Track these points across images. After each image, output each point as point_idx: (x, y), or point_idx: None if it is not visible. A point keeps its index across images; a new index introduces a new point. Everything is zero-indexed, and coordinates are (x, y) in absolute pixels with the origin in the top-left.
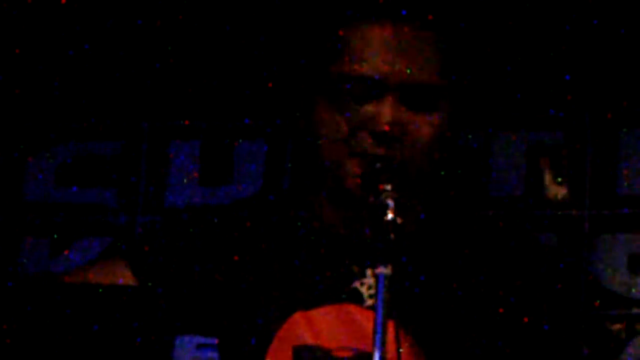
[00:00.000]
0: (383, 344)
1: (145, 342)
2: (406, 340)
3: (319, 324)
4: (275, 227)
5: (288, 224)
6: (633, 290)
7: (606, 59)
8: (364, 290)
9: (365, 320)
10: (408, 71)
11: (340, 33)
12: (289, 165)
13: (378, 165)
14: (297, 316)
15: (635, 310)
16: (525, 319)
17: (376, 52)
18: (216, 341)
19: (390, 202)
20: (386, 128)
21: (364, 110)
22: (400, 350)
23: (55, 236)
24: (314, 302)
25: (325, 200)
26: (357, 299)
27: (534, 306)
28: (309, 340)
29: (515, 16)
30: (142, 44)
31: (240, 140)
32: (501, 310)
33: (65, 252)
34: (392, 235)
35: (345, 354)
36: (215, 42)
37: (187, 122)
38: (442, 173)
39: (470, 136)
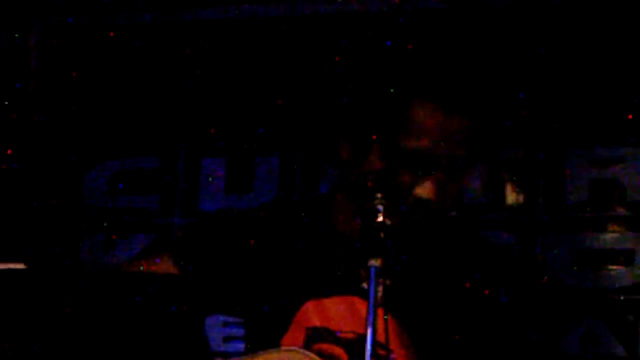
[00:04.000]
0: (374, 324)
1: (182, 322)
2: (395, 324)
3: (328, 311)
4: (293, 229)
5: (304, 227)
6: (580, 281)
7: (555, 95)
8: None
9: (366, 310)
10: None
11: (407, 111)
12: (298, 174)
13: (371, 176)
14: (310, 304)
15: (579, 297)
16: (485, 300)
17: (432, 131)
18: (242, 320)
19: (380, 208)
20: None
21: (405, 178)
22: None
23: (108, 235)
24: (325, 293)
25: (341, 211)
26: (361, 293)
27: (489, 287)
28: (319, 323)
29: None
30: (184, 83)
31: (258, 158)
32: (466, 293)
33: (116, 248)
34: (381, 234)
35: (348, 336)
36: (242, 85)
37: (215, 143)
38: None
39: None
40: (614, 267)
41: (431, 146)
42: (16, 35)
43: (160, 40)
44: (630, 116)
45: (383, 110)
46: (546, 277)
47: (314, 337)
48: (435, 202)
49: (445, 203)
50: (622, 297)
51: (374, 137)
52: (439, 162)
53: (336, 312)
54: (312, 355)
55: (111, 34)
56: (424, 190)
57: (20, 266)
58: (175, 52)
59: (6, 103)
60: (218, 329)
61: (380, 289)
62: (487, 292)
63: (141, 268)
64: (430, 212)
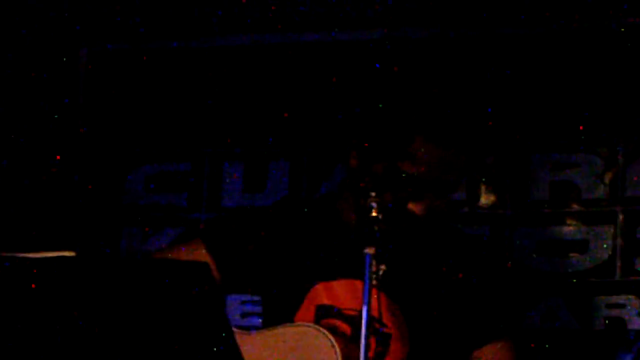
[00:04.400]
0: (369, 302)
1: (205, 301)
2: (388, 302)
3: (335, 292)
4: (305, 222)
5: (314, 220)
6: (540, 264)
7: (520, 110)
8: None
9: (374, 294)
10: (448, 176)
11: (412, 140)
12: (305, 178)
13: (369, 186)
14: (320, 285)
15: (540, 279)
16: (460, 280)
17: (430, 162)
18: (258, 299)
19: (375, 205)
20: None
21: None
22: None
23: (144, 228)
24: (332, 276)
25: (346, 207)
26: (362, 276)
27: (464, 271)
28: (327, 302)
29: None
30: (208, 100)
31: (271, 163)
32: (445, 275)
33: (151, 239)
34: (375, 227)
35: (351, 313)
36: (257, 101)
37: (234, 150)
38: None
39: None
40: (570, 254)
41: (426, 172)
42: (66, 59)
43: (187, 63)
44: (581, 127)
45: (388, 138)
46: (511, 263)
47: (323, 313)
48: (424, 217)
49: (432, 216)
50: (576, 280)
51: (379, 157)
52: (431, 185)
53: (341, 292)
54: (322, 329)
55: (144, 57)
56: (416, 207)
57: (71, 254)
58: (200, 73)
59: (56, 117)
60: (236, 307)
61: (375, 272)
62: (460, 275)
63: (175, 255)
64: (419, 222)
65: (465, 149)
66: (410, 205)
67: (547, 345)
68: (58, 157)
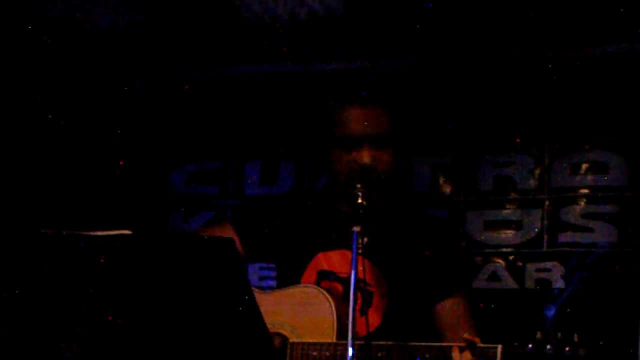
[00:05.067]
0: (356, 268)
1: (232, 268)
2: (371, 267)
3: (331, 259)
4: (308, 207)
5: (315, 206)
6: (486, 238)
7: (472, 123)
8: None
9: (359, 260)
10: (376, 130)
11: (339, 112)
12: (307, 175)
13: (354, 174)
14: (320, 255)
15: (486, 250)
16: (425, 249)
17: (358, 121)
18: (273, 266)
19: (360, 193)
20: (368, 162)
21: (354, 153)
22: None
23: (185, 212)
24: (330, 247)
25: (336, 194)
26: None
27: (428, 243)
28: (326, 267)
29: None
30: (234, 115)
31: (282, 163)
32: (414, 246)
33: (190, 221)
34: (360, 211)
35: (344, 276)
36: (272, 117)
37: (254, 153)
38: (391, 178)
39: (404, 161)
40: (508, 231)
41: (358, 129)
42: (125, 84)
43: (219, 87)
44: (517, 135)
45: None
46: (463, 237)
47: (322, 276)
48: (372, 166)
49: (382, 169)
50: (513, 250)
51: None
52: (370, 139)
53: (336, 260)
54: (321, 289)
55: (186, 82)
56: (362, 157)
57: (127, 232)
58: (228, 95)
59: (119, 130)
60: (255, 272)
61: (361, 245)
62: (426, 246)
63: (208, 233)
64: (378, 179)
65: (384, 107)
66: (357, 158)
67: (491, 303)
68: (121, 162)
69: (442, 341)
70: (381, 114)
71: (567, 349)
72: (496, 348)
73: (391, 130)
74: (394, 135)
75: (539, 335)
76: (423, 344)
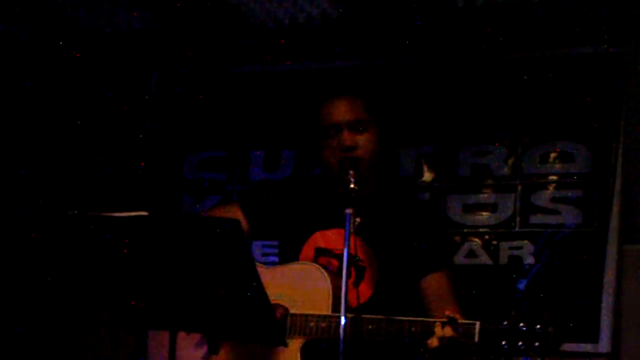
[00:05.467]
0: (349, 246)
1: (238, 245)
2: (363, 245)
3: (328, 237)
4: (306, 192)
5: (313, 190)
6: (464, 220)
7: (453, 118)
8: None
9: (352, 238)
10: (353, 116)
11: (323, 106)
12: (305, 163)
13: (346, 161)
14: (318, 233)
15: (465, 230)
16: (410, 229)
17: (337, 111)
18: (275, 243)
19: (352, 178)
20: (349, 143)
21: (337, 138)
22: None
23: (196, 195)
24: (326, 227)
25: (330, 180)
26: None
27: (413, 222)
28: (322, 245)
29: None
30: (243, 109)
31: (283, 152)
32: (401, 225)
33: (200, 203)
34: (352, 195)
35: (338, 252)
36: (275, 112)
37: (258, 143)
38: (379, 165)
39: (392, 150)
40: (485, 213)
41: (340, 115)
42: (142, 80)
43: (227, 84)
44: (493, 128)
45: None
46: (444, 219)
47: (319, 253)
48: (356, 147)
49: (364, 149)
50: (488, 230)
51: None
52: (350, 124)
53: (332, 238)
54: (318, 265)
55: (198, 79)
56: (344, 140)
57: (144, 213)
58: (236, 91)
59: (138, 122)
60: (259, 249)
61: (353, 225)
62: (411, 225)
63: (217, 214)
64: (363, 160)
65: (359, 96)
66: (342, 141)
67: (469, 278)
68: (140, 149)
69: (427, 316)
70: (357, 101)
71: (537, 326)
72: (475, 325)
73: (367, 115)
74: (371, 120)
75: (513, 313)
76: (409, 318)
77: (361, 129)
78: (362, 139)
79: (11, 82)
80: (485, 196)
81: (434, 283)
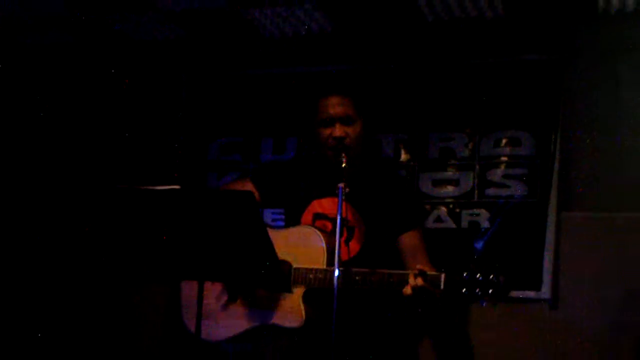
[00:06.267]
0: (340, 212)
1: (251, 212)
2: (352, 210)
3: (324, 205)
4: (306, 169)
5: (312, 168)
6: (433, 192)
7: (424, 108)
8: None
9: (343, 205)
10: (343, 112)
11: (319, 103)
12: (306, 147)
13: (339, 146)
14: (315, 202)
15: (433, 200)
16: (390, 197)
17: (330, 107)
18: (281, 210)
19: (344, 158)
20: (339, 134)
21: (330, 129)
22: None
23: (218, 173)
24: (322, 195)
25: (325, 160)
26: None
27: (392, 192)
28: (319, 210)
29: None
30: (256, 103)
31: (288, 138)
32: (382, 195)
33: (222, 179)
34: (345, 171)
35: (332, 216)
36: (283, 105)
37: (267, 131)
38: (364, 149)
39: (375, 137)
40: (449, 187)
41: (333, 111)
42: (173, 80)
43: (246, 83)
44: (457, 119)
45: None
46: (417, 192)
47: (317, 217)
48: (346, 136)
49: (352, 137)
50: (452, 200)
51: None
52: (341, 118)
53: (327, 205)
54: (315, 228)
55: (221, 79)
56: (335, 132)
57: (177, 187)
58: (250, 89)
59: (171, 117)
60: (269, 215)
61: (344, 194)
62: (390, 194)
63: (234, 187)
64: (351, 145)
65: (348, 95)
66: (333, 132)
67: (437, 239)
68: (173, 136)
69: (404, 269)
70: (345, 100)
71: (491, 277)
72: (441, 276)
73: (355, 111)
74: (358, 115)
75: (472, 266)
76: (389, 271)
77: (350, 122)
78: (350, 130)
79: (82, 80)
80: (450, 173)
81: (409, 240)
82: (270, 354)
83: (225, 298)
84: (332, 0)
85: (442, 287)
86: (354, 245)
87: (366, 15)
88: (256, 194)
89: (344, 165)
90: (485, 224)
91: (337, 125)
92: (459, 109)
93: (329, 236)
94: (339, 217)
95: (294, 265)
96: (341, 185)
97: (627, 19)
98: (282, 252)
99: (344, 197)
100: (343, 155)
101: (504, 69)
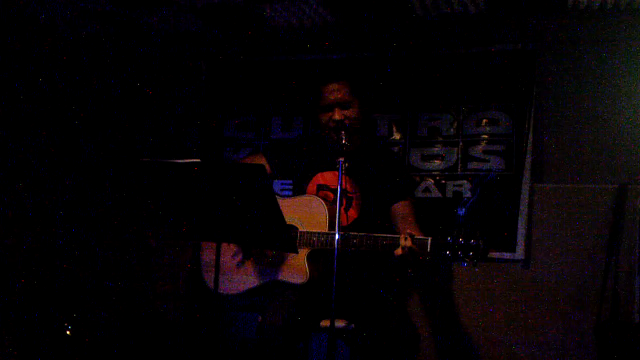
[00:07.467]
0: (340, 183)
1: (263, 183)
2: (351, 182)
3: (326, 177)
4: (311, 145)
5: (316, 144)
6: (422, 166)
7: (413, 91)
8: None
9: (343, 177)
10: (340, 97)
11: (322, 88)
12: (310, 125)
13: (339, 126)
14: (319, 174)
15: (422, 173)
16: (384, 170)
17: (329, 93)
18: (290, 182)
19: (343, 137)
20: (338, 118)
21: (330, 113)
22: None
23: (233, 148)
24: (325, 169)
25: (325, 139)
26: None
27: (385, 166)
28: (322, 182)
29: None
30: (269, 87)
31: (295, 117)
32: (377, 168)
33: (236, 153)
34: (344, 148)
35: (334, 187)
36: (290, 88)
37: (278, 111)
38: (362, 128)
39: (371, 117)
40: (436, 161)
41: (333, 96)
42: (194, 67)
43: (258, 69)
44: (443, 100)
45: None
46: (406, 166)
47: (320, 188)
48: (345, 118)
49: (350, 119)
50: (438, 172)
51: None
52: (340, 103)
53: (329, 177)
54: (318, 198)
55: (237, 65)
56: (335, 115)
57: (197, 160)
58: (261, 74)
59: (192, 98)
60: (278, 186)
61: (344, 168)
62: (384, 167)
63: (249, 161)
64: (350, 126)
65: (346, 81)
66: (333, 115)
67: (425, 207)
68: (194, 115)
69: (396, 234)
70: (342, 85)
71: (472, 241)
72: (427, 239)
73: (352, 96)
74: (355, 99)
75: (455, 232)
76: (382, 235)
77: (347, 105)
78: (348, 113)
79: (114, 67)
80: (437, 149)
81: (401, 208)
82: (278, 305)
83: (239, 257)
84: None
85: (428, 249)
86: (352, 213)
87: (364, 9)
88: (267, 167)
89: (343, 142)
90: (468, 194)
91: (336, 110)
92: (446, 93)
93: (331, 204)
94: (339, 188)
95: (300, 229)
96: (341, 160)
97: (593, 15)
98: (289, 218)
99: (343, 171)
100: (343, 133)
101: (485, 58)
